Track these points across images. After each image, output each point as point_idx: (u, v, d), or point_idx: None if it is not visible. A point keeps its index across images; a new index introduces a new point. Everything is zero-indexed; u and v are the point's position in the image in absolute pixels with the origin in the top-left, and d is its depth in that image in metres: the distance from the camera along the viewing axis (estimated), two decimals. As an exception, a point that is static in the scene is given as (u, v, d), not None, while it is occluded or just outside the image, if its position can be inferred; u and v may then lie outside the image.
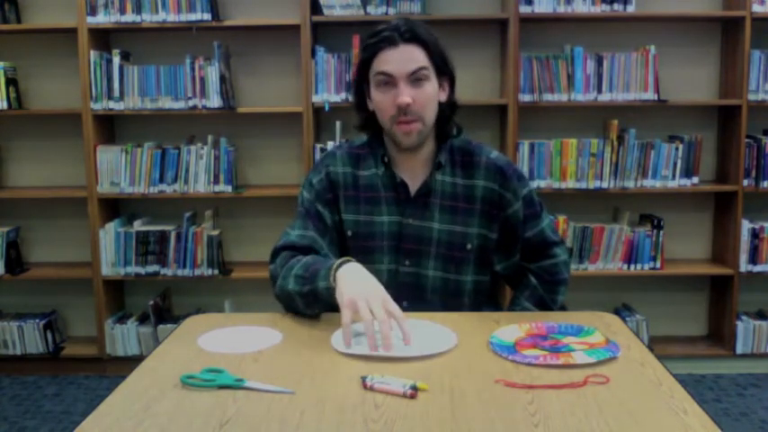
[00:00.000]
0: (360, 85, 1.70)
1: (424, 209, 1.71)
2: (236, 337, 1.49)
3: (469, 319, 1.60)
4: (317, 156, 3.35)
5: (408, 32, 1.61)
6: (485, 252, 1.74)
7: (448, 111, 1.71)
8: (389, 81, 1.61)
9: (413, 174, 1.72)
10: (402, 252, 1.71)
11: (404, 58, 1.60)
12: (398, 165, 1.72)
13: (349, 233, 1.73)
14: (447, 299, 1.73)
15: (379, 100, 1.64)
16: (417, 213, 1.71)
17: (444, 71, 1.67)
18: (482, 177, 1.71)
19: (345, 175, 1.75)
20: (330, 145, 3.38)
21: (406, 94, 1.60)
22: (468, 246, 1.72)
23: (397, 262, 1.71)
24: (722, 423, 2.86)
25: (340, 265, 1.49)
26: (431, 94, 1.64)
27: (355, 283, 1.44)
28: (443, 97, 1.70)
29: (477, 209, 1.71)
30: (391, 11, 3.34)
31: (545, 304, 1.78)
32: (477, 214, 1.71)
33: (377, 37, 1.62)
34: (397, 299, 1.69)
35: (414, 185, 1.71)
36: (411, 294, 1.71)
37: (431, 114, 1.65)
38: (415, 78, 1.61)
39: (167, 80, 3.41)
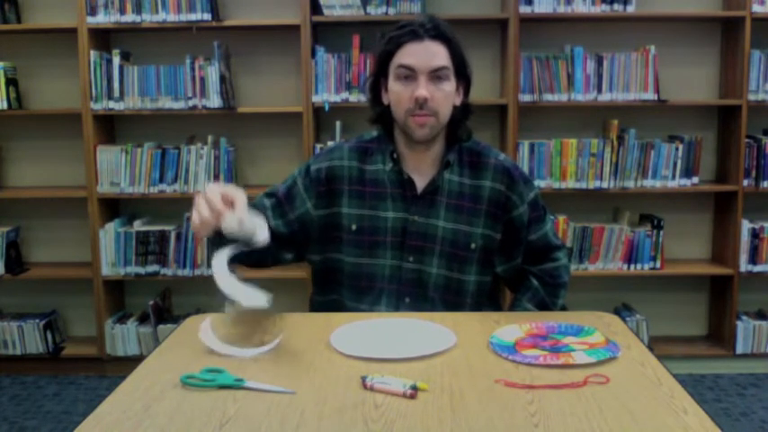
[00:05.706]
0: (377, 78, 1.71)
1: (431, 207, 1.71)
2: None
3: (469, 319, 1.61)
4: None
5: (434, 30, 1.63)
6: (488, 252, 1.74)
7: (460, 114, 1.72)
8: (410, 75, 1.62)
9: (420, 171, 1.72)
10: (406, 248, 1.71)
11: (427, 54, 1.62)
12: (407, 162, 1.73)
13: (353, 227, 1.73)
14: (449, 297, 1.73)
15: (397, 91, 1.65)
16: (423, 211, 1.71)
17: (462, 74, 1.68)
18: (489, 178, 1.73)
19: (351, 169, 1.75)
20: (330, 145, 3.36)
21: (424, 89, 1.61)
22: (473, 245, 1.72)
23: (400, 258, 1.71)
24: (722, 423, 2.85)
25: None
26: (449, 92, 1.65)
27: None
28: (458, 101, 1.70)
29: (483, 209, 1.72)
30: (391, 11, 3.33)
31: (546, 306, 1.79)
32: (482, 214, 1.72)
33: (402, 30, 1.63)
34: (399, 295, 1.71)
35: (421, 183, 1.72)
36: (413, 291, 1.72)
37: (446, 112, 1.66)
38: (436, 76, 1.62)
39: (167, 80, 3.40)
